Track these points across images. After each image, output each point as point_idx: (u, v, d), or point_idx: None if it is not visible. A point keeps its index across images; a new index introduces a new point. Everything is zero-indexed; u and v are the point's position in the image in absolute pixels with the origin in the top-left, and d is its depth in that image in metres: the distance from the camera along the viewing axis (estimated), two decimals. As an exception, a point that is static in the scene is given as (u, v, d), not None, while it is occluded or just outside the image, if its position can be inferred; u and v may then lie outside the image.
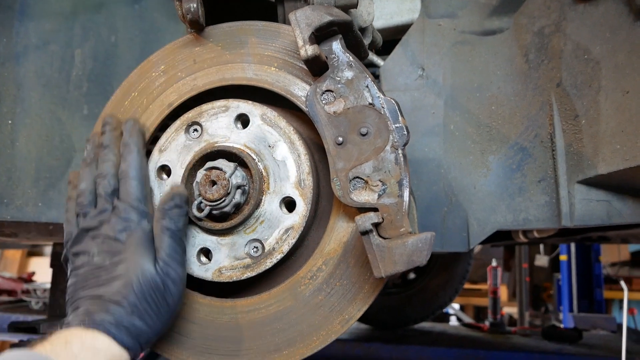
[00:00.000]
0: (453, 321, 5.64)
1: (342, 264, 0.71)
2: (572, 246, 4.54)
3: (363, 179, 0.67)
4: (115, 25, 1.35)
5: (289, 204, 0.72)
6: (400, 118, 0.68)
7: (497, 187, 1.18)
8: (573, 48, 1.09)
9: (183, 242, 0.72)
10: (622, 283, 2.90)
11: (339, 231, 0.71)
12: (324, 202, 0.75)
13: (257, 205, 0.72)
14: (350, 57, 0.70)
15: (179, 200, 0.71)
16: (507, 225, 1.18)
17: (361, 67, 0.70)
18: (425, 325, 3.37)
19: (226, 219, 0.73)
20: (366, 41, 0.86)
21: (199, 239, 0.74)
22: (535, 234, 1.98)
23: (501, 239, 2.38)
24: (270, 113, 0.74)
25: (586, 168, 1.06)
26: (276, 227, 0.72)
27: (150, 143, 0.80)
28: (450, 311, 5.69)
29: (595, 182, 1.07)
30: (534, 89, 1.16)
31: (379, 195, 0.67)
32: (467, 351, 2.69)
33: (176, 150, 0.77)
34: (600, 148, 1.03)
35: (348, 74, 0.70)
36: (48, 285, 1.89)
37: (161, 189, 0.77)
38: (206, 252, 0.74)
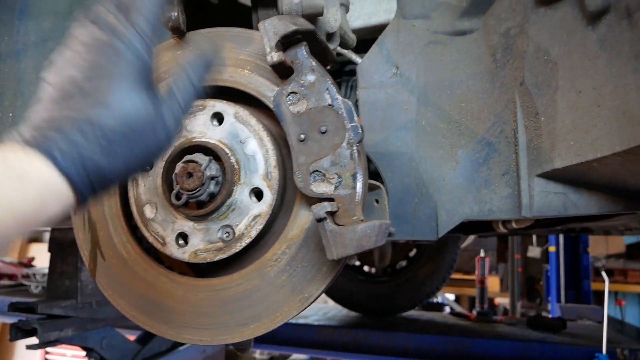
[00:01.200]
0: (447, 311, 5.75)
1: (303, 248, 0.79)
2: (561, 238, 4.63)
3: (322, 172, 0.75)
4: None
5: (258, 194, 0.81)
6: (355, 118, 0.76)
7: (465, 180, 1.26)
8: (534, 49, 1.16)
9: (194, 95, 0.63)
10: (604, 274, 2.99)
11: (302, 219, 0.80)
12: (290, 192, 0.83)
13: (229, 194, 0.80)
14: (313, 63, 0.78)
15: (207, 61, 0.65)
16: (473, 216, 1.26)
17: (323, 71, 0.78)
18: (414, 313, 3.46)
19: (202, 206, 0.81)
20: (333, 45, 0.93)
21: (178, 224, 0.83)
22: (514, 225, 2.06)
23: (483, 229, 2.46)
24: (242, 112, 0.82)
25: (544, 162, 1.14)
26: (246, 215, 0.80)
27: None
28: (444, 301, 5.80)
29: (553, 176, 1.14)
30: (500, 87, 1.23)
31: (335, 187, 0.75)
32: (452, 339, 2.78)
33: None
34: (557, 144, 1.11)
35: (311, 77, 0.78)
36: (47, 270, 1.99)
37: (145, 180, 0.85)
38: (184, 236, 0.83)
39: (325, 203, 0.72)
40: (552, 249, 4.70)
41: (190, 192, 0.78)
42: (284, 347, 2.93)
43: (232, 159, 0.81)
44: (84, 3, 1.41)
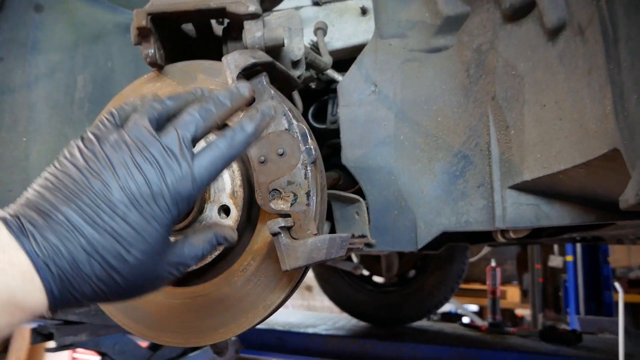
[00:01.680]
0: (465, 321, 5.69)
1: (266, 260, 0.86)
2: (578, 247, 4.56)
3: (279, 191, 0.82)
4: (111, 53, 1.54)
5: (226, 211, 0.88)
6: (309, 140, 0.83)
7: (442, 192, 1.31)
8: (503, 64, 1.21)
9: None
10: (617, 285, 2.95)
11: (265, 233, 0.87)
12: (255, 209, 0.90)
13: (201, 211, 0.88)
14: (272, 91, 0.85)
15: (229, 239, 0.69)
16: (451, 227, 1.30)
17: (280, 98, 0.85)
18: (424, 324, 3.48)
19: (179, 222, 0.89)
20: (299, 71, 1.00)
21: (155, 239, 0.91)
22: (512, 235, 2.08)
23: (487, 239, 2.48)
24: (212, 137, 0.90)
25: (515, 175, 1.18)
26: (214, 230, 0.87)
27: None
28: (455, 311, 5.75)
29: (524, 188, 1.19)
30: (474, 102, 1.28)
31: (291, 204, 0.81)
32: (460, 350, 2.79)
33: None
34: (525, 157, 1.15)
35: (270, 104, 0.85)
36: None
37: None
38: (161, 251, 0.90)
39: (279, 219, 0.78)
40: (569, 258, 4.63)
41: (164, 210, 0.86)
42: (291, 355, 2.98)
43: (202, 179, 0.89)
44: (87, 35, 1.52)
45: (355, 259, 3.50)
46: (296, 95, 1.56)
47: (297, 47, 0.97)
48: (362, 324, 3.39)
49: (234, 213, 0.87)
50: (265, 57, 0.85)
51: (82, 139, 0.56)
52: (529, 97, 1.14)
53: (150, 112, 0.57)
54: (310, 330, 3.20)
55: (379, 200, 1.36)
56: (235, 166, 0.88)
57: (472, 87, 1.29)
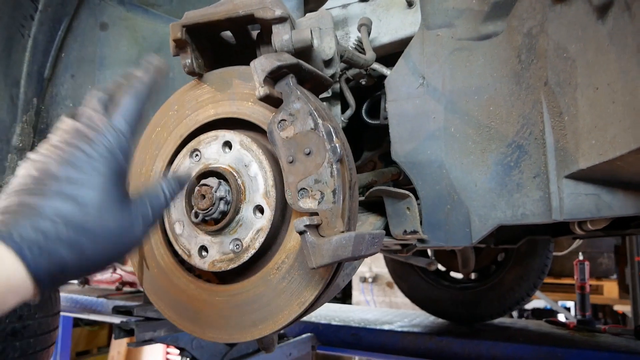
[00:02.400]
0: (561, 319, 5.35)
1: (299, 257, 0.89)
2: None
3: (307, 190, 0.85)
4: (172, 64, 1.65)
5: (261, 210, 0.92)
6: (335, 139, 0.84)
7: (497, 184, 1.25)
8: (554, 47, 1.13)
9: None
10: None
11: (297, 231, 0.89)
12: (289, 208, 0.93)
13: (237, 212, 0.93)
14: (299, 92, 0.87)
15: (182, 180, 0.75)
16: (506, 221, 1.24)
17: (306, 98, 0.87)
18: (506, 320, 3.32)
19: (217, 223, 0.94)
20: (332, 70, 1.01)
21: (199, 238, 0.97)
22: (589, 226, 1.92)
23: (565, 232, 2.32)
24: (246, 139, 0.94)
25: (570, 163, 1.10)
26: (251, 229, 0.92)
27: (167, 166, 1.05)
28: (550, 307, 5.40)
29: (581, 177, 1.10)
30: (526, 88, 1.21)
31: (319, 202, 0.83)
32: (543, 348, 2.64)
33: (184, 171, 1.00)
34: (580, 144, 1.07)
35: (297, 105, 0.87)
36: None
37: (175, 201, 1.01)
38: (205, 249, 0.97)
39: (305, 217, 0.80)
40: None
41: (204, 211, 0.92)
42: (367, 352, 2.99)
43: (239, 181, 0.93)
44: (149, 49, 1.65)
45: (430, 253, 3.43)
46: (347, 92, 1.57)
47: (328, 46, 0.99)
48: (439, 321, 3.32)
49: (268, 212, 0.90)
50: (290, 59, 0.87)
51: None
52: (581, 80, 1.06)
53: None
54: (386, 327, 3.18)
55: (431, 195, 1.33)
56: (267, 167, 0.92)
57: (523, 74, 1.22)
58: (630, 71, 0.88)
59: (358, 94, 1.72)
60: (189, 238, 0.98)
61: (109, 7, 1.51)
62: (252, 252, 0.91)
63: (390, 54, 1.50)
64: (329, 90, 1.47)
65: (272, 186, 0.91)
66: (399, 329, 3.09)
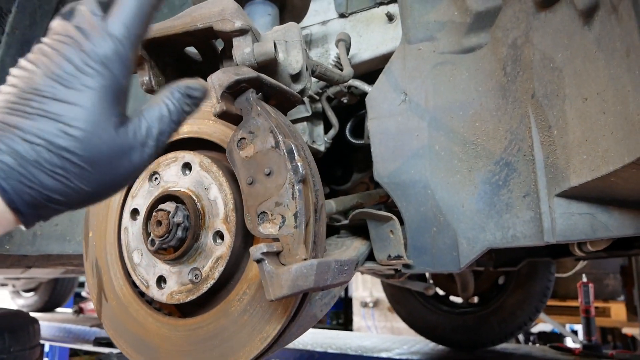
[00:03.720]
0: (570, 343, 5.19)
1: (261, 289, 0.81)
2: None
3: (267, 213, 0.77)
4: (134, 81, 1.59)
5: (221, 237, 0.84)
6: (296, 157, 0.77)
7: (485, 205, 1.17)
8: (540, 57, 1.07)
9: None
10: None
11: (259, 259, 0.81)
12: (251, 234, 0.86)
13: (196, 239, 0.85)
14: (259, 108, 0.81)
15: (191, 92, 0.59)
16: (496, 243, 1.16)
17: (267, 114, 0.80)
18: (509, 346, 3.19)
19: (175, 251, 0.87)
20: (300, 86, 0.95)
21: (158, 268, 0.89)
22: (590, 247, 1.83)
23: (565, 254, 2.22)
24: (206, 160, 0.87)
25: (561, 181, 1.03)
26: (210, 257, 0.84)
27: (126, 193, 0.98)
28: (556, 331, 5.24)
29: (574, 195, 1.02)
30: (513, 102, 1.15)
31: (280, 227, 0.76)
32: (547, 375, 2.52)
33: (143, 195, 0.93)
34: (571, 159, 1.00)
35: (257, 122, 0.81)
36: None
37: (133, 228, 0.94)
38: (163, 279, 0.89)
39: (262, 244, 0.73)
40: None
41: (161, 238, 0.84)
42: (364, 381, 2.87)
43: (198, 205, 0.86)
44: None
45: (428, 277, 3.33)
46: (330, 111, 1.51)
47: (295, 60, 0.93)
48: (439, 347, 3.19)
49: (227, 239, 0.83)
50: (249, 73, 0.81)
51: None
52: (570, 91, 0.99)
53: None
54: (384, 355, 3.06)
55: (416, 217, 1.25)
56: (227, 190, 0.85)
57: (510, 87, 1.16)
58: (621, 78, 0.81)
59: (343, 113, 1.66)
60: (147, 268, 0.90)
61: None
62: (211, 282, 0.83)
63: (374, 70, 1.44)
64: (309, 109, 1.41)
65: (232, 210, 0.83)
66: (397, 357, 2.96)
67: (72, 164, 0.49)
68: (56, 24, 0.53)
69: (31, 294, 4.81)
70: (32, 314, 2.46)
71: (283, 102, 0.92)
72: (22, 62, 0.52)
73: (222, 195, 0.85)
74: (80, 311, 4.78)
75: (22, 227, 0.50)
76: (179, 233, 0.84)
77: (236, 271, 0.87)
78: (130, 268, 0.93)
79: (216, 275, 0.83)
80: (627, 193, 0.95)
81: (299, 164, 0.76)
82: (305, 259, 0.74)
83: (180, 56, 1.02)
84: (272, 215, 0.76)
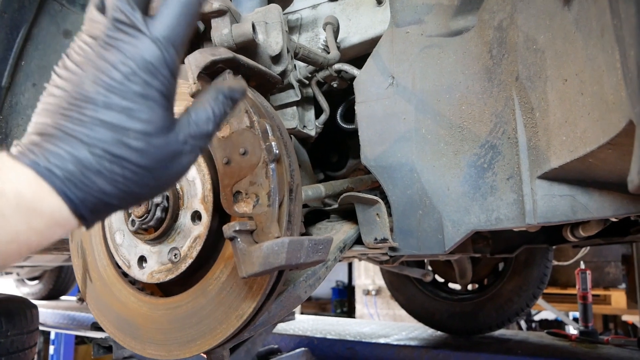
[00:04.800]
0: (571, 331, 5.19)
1: (237, 267, 0.82)
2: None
3: (242, 192, 0.78)
4: None
5: (198, 217, 0.85)
6: (270, 137, 0.78)
7: (470, 188, 1.18)
8: (524, 39, 1.06)
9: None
10: None
11: (235, 238, 0.82)
12: (228, 214, 0.87)
13: (175, 219, 0.86)
14: (235, 88, 0.81)
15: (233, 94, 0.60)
16: (480, 226, 1.16)
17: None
18: (507, 332, 3.20)
19: (155, 231, 0.88)
20: (280, 67, 0.95)
21: (139, 248, 0.91)
22: (581, 232, 1.82)
23: (559, 241, 2.22)
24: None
25: (542, 162, 1.03)
26: (188, 237, 0.85)
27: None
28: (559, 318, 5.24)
29: (554, 177, 1.02)
30: (498, 85, 1.14)
31: (254, 206, 0.77)
32: (542, 360, 2.53)
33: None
34: (551, 140, 0.99)
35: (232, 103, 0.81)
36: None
37: (116, 209, 0.95)
38: (144, 259, 0.90)
39: (235, 222, 0.74)
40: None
41: (140, 219, 0.85)
42: (361, 367, 2.89)
43: (177, 185, 0.87)
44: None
45: (426, 264, 3.34)
46: (320, 96, 1.51)
47: (274, 41, 0.93)
48: (438, 333, 3.21)
49: (205, 219, 0.84)
50: (225, 53, 0.81)
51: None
52: (551, 72, 0.99)
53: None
54: (382, 341, 3.08)
55: (402, 200, 1.25)
56: (205, 170, 0.85)
57: (495, 69, 1.15)
58: (596, 58, 0.80)
59: (336, 98, 1.66)
60: (129, 248, 0.92)
61: (71, 14, 1.47)
62: (189, 261, 0.84)
63: (363, 55, 1.44)
64: (298, 94, 1.41)
65: (209, 190, 0.84)
66: (395, 342, 2.98)
67: (132, 172, 0.50)
68: (94, 18, 0.52)
69: (36, 282, 4.87)
70: (34, 301, 2.50)
71: (263, 83, 0.92)
72: (67, 62, 0.52)
73: (200, 175, 0.85)
74: (83, 299, 4.83)
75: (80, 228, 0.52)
76: (158, 213, 0.86)
77: (214, 251, 0.88)
78: (113, 249, 0.94)
79: (194, 254, 0.84)
80: (605, 174, 0.94)
81: (272, 143, 0.77)
82: (277, 237, 0.74)
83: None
84: (246, 194, 0.77)
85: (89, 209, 0.49)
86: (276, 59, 0.94)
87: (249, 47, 0.89)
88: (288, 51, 0.97)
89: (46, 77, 1.46)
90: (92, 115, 0.49)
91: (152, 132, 0.51)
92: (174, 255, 0.86)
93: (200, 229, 0.84)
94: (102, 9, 0.52)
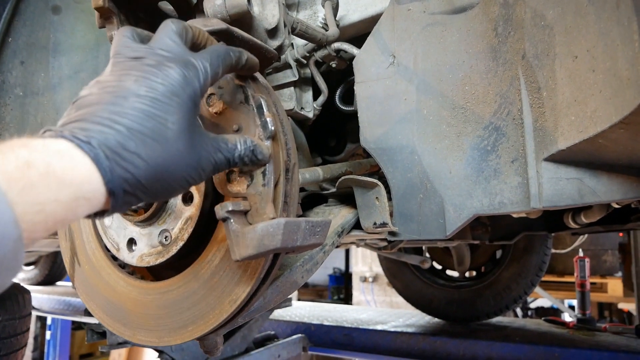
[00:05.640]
0: (567, 318, 5.21)
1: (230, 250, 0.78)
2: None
3: (236, 172, 0.74)
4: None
5: (190, 198, 0.81)
6: (266, 112, 0.73)
7: (473, 171, 1.14)
8: (532, 15, 1.01)
9: None
10: None
11: (228, 220, 0.79)
12: (221, 195, 0.83)
13: (165, 200, 0.82)
14: (228, 61, 0.77)
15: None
16: (483, 210, 1.13)
17: (237, 68, 0.76)
18: (504, 319, 3.20)
19: (146, 211, 0.84)
20: (277, 42, 0.90)
21: (128, 230, 0.87)
22: (583, 219, 1.80)
23: (559, 228, 2.19)
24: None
25: (549, 144, 0.99)
26: (180, 218, 0.81)
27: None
28: (555, 306, 5.25)
29: (561, 159, 0.98)
30: (504, 64, 1.10)
31: (248, 186, 0.73)
32: (540, 348, 2.51)
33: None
34: (559, 121, 0.95)
35: (226, 76, 0.77)
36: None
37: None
38: (133, 242, 0.86)
39: (227, 202, 0.70)
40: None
41: (129, 199, 0.81)
42: (359, 353, 2.88)
43: (168, 165, 0.83)
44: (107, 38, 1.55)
45: (424, 251, 3.32)
46: (318, 76, 1.46)
47: (270, 14, 0.88)
48: (435, 320, 3.20)
49: (196, 199, 0.80)
50: (218, 25, 0.76)
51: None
52: (560, 49, 0.94)
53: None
54: (379, 327, 3.07)
55: (402, 183, 1.22)
56: (197, 148, 0.81)
57: (500, 48, 1.11)
58: (610, 32, 0.76)
59: (335, 80, 1.62)
60: (118, 230, 0.88)
61: (60, -11, 1.41)
62: (180, 244, 0.81)
63: (363, 34, 1.39)
64: (296, 74, 1.36)
65: (202, 169, 0.80)
66: (392, 329, 2.97)
67: (163, 160, 0.54)
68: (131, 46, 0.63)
69: (31, 267, 4.84)
70: (29, 286, 2.46)
71: (259, 58, 0.87)
72: (105, 77, 0.61)
73: (191, 154, 0.81)
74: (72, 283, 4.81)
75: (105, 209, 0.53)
76: (148, 193, 0.81)
77: (207, 233, 0.84)
78: (101, 231, 0.90)
79: (185, 236, 0.80)
80: (615, 156, 0.91)
81: (268, 119, 0.73)
82: (272, 218, 0.71)
83: (154, 11, 0.98)
84: (240, 173, 0.73)
85: (120, 186, 0.50)
86: (272, 32, 0.90)
87: (243, 19, 0.85)
88: (285, 25, 0.92)
89: (35, 55, 1.41)
90: (136, 105, 0.54)
91: (185, 129, 0.57)
92: (165, 238, 0.83)
93: (192, 210, 0.80)
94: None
